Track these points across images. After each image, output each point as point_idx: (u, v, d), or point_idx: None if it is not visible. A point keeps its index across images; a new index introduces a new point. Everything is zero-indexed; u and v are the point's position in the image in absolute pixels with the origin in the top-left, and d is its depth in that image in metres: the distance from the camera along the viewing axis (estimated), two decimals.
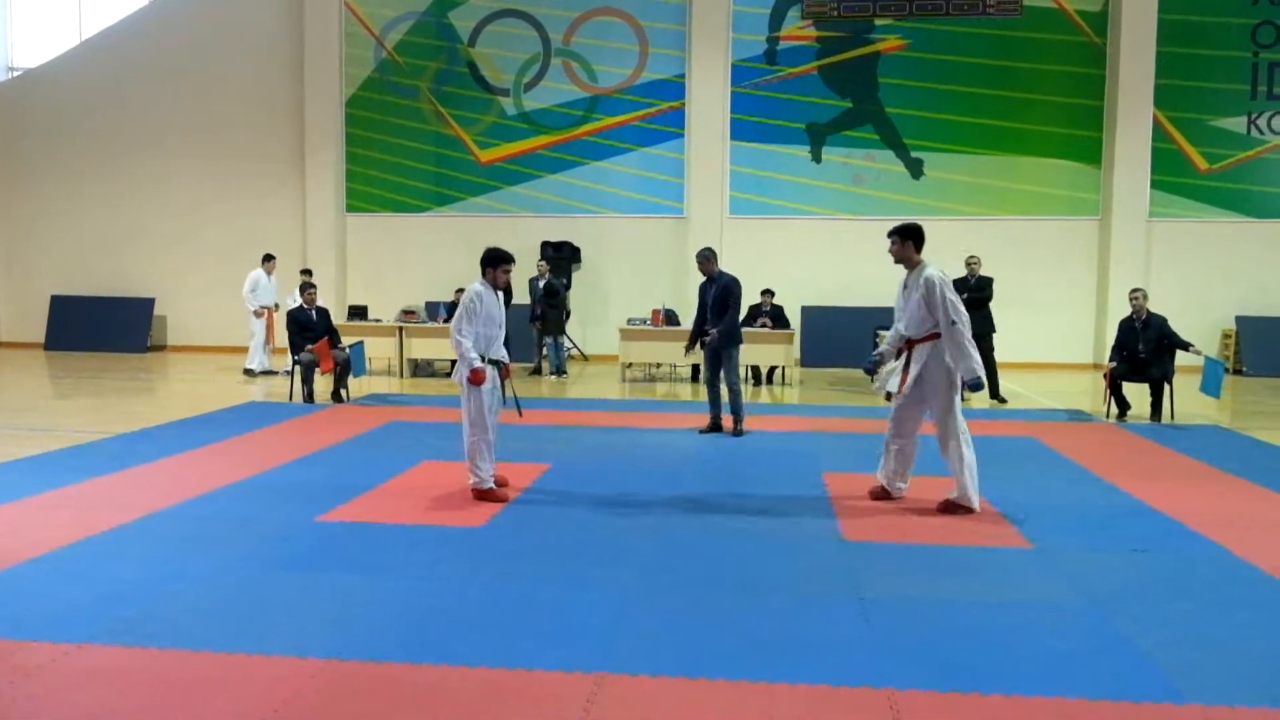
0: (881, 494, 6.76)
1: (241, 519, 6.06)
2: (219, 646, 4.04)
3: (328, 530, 5.86)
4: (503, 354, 6.92)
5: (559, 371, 14.30)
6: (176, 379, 14.10)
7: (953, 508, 6.40)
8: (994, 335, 11.71)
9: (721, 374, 9.47)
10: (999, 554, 5.50)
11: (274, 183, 17.57)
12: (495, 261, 6.76)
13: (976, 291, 11.54)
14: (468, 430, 6.65)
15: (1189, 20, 15.70)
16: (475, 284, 6.73)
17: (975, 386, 6.37)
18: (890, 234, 6.67)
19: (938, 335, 6.36)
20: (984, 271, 11.94)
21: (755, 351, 13.29)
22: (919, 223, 6.77)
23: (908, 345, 6.57)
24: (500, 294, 6.86)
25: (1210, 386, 10.50)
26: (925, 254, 6.67)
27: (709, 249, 9.55)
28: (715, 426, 9.48)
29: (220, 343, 17.43)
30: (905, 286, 6.60)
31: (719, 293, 9.33)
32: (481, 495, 6.64)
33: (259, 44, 17.42)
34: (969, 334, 6.30)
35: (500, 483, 6.85)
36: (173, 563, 5.14)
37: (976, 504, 6.38)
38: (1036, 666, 3.91)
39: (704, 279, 9.55)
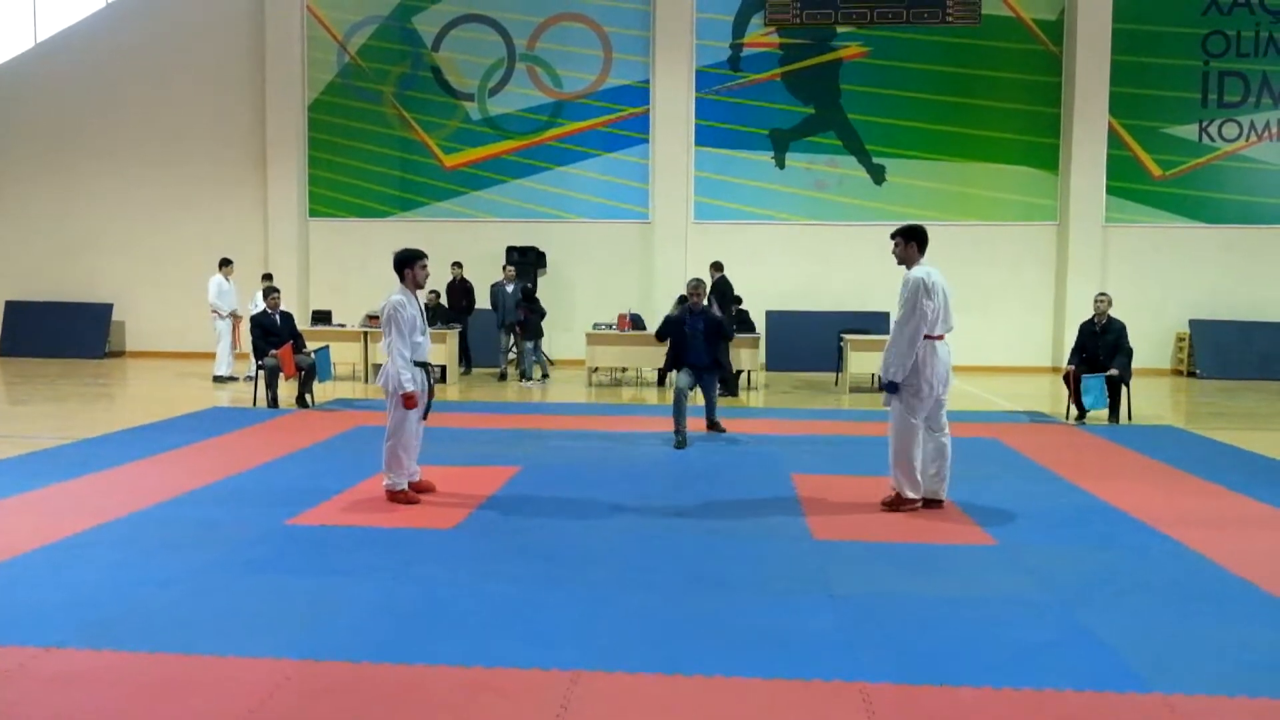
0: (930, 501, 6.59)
1: (210, 523, 6.01)
2: (192, 649, 4.01)
3: (298, 533, 5.83)
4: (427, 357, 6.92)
5: (541, 376, 14.25)
6: (136, 384, 13.92)
7: (896, 503, 6.50)
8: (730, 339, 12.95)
9: (700, 388, 9.60)
10: (964, 551, 5.60)
11: (235, 187, 17.41)
12: (411, 260, 6.70)
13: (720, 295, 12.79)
14: (387, 436, 6.72)
15: (1142, 30, 16.05)
16: (394, 294, 6.66)
17: (888, 387, 6.40)
18: (893, 235, 6.60)
19: (933, 337, 6.36)
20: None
21: None
22: (923, 225, 6.68)
23: None
24: (419, 294, 6.82)
25: (1095, 400, 10.54)
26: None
27: (702, 280, 9.67)
28: (684, 442, 8.92)
29: (180, 348, 17.24)
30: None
31: (711, 328, 9.36)
32: (393, 497, 6.69)
33: (219, 47, 17.27)
34: (918, 340, 6.29)
35: (423, 488, 6.88)
36: (142, 566, 5.09)
37: (910, 493, 6.47)
38: (1004, 658, 3.99)
39: (686, 307, 9.54)
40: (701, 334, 9.33)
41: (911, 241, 6.52)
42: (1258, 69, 16.00)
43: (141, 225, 17.63)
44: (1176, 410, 11.75)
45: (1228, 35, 16.01)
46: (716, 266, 13.46)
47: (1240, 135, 16.07)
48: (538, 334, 14.32)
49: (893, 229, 6.68)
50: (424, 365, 6.87)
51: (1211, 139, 16.12)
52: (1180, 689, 3.71)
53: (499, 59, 16.93)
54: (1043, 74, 16.25)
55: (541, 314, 14.44)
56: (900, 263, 6.59)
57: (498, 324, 14.60)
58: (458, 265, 15.26)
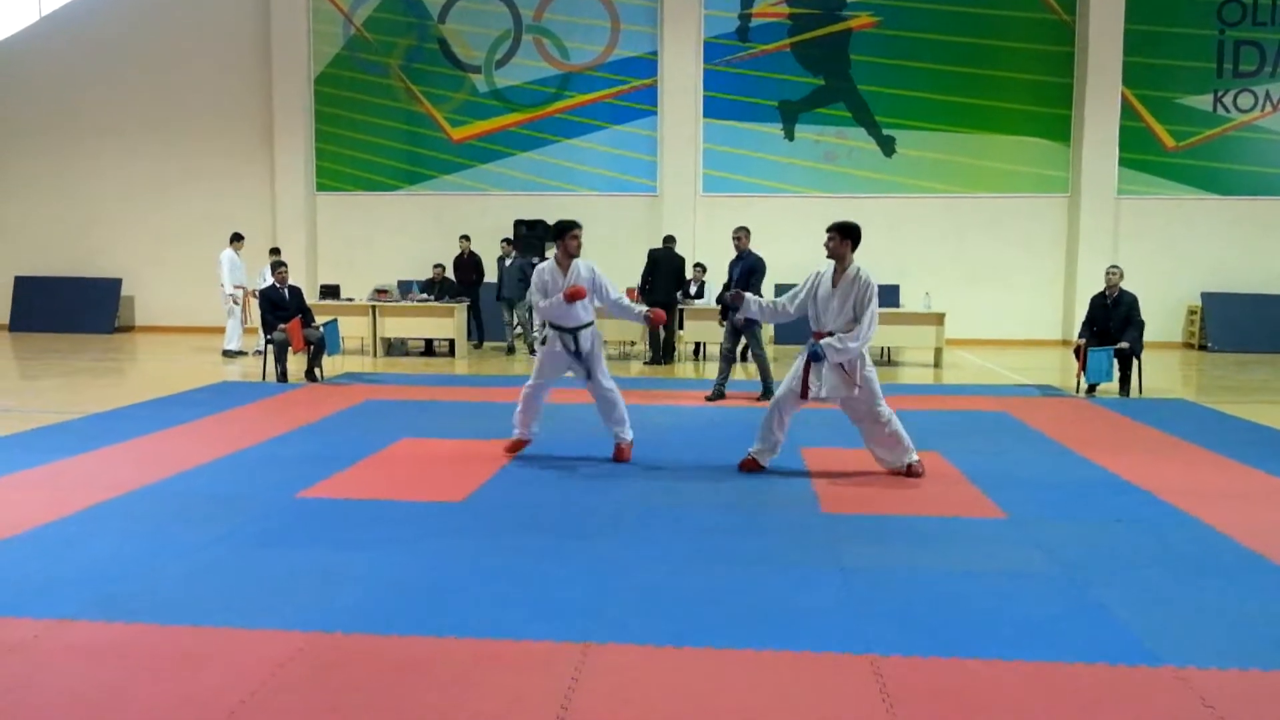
0: (754, 465, 6.87)
1: (221, 496, 6.03)
2: (203, 621, 4.03)
3: (309, 506, 5.85)
4: (578, 319, 6.98)
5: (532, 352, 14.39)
6: (146, 360, 13.95)
7: (912, 472, 6.68)
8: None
9: (743, 347, 10.23)
10: (975, 524, 5.59)
11: (242, 162, 17.37)
12: (563, 231, 6.98)
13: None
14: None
15: None
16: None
17: (816, 355, 6.43)
18: (830, 229, 6.55)
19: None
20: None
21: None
22: (858, 225, 6.66)
23: (818, 339, 6.48)
24: (550, 264, 7.02)
25: (1099, 374, 10.52)
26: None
27: (744, 227, 10.48)
28: (720, 395, 9.98)
29: (190, 323, 17.27)
30: (835, 285, 6.47)
31: (745, 269, 10.08)
32: (508, 446, 7.35)
33: (225, 21, 17.17)
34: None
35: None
36: (154, 539, 5.11)
37: (916, 457, 6.71)
38: (1014, 631, 3.98)
39: (735, 255, 10.37)
40: (737, 274, 10.16)
41: (848, 239, 6.50)
42: (1274, 38, 15.79)
43: (149, 200, 17.62)
44: (1188, 383, 11.69)
45: (1244, 3, 15.78)
46: (667, 239, 13.84)
47: (1255, 105, 15.89)
48: None
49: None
50: (561, 329, 7.01)
51: (1226, 109, 15.94)
52: (1192, 662, 3.70)
53: (506, 31, 16.81)
54: (1055, 44, 16.06)
55: None
56: (830, 256, 6.53)
57: (495, 298, 14.69)
58: (465, 239, 15.23)
